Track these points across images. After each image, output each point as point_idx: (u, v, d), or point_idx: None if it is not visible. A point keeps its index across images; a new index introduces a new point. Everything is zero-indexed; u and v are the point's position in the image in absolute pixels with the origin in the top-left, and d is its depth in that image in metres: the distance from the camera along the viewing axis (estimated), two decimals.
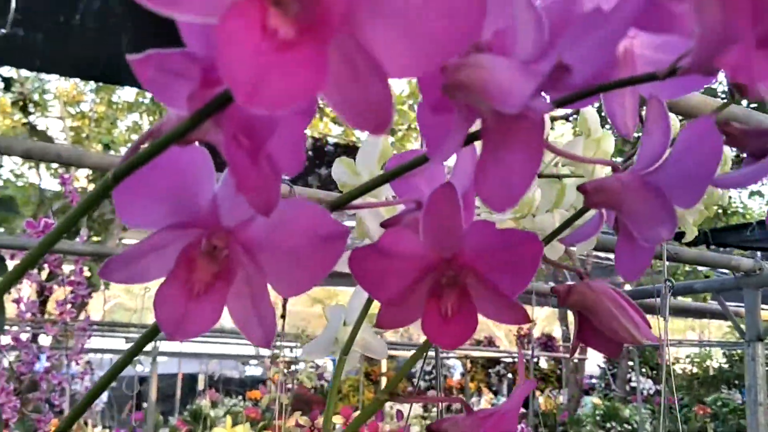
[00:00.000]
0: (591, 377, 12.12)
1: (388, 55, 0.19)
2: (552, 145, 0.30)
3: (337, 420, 1.63)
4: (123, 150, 7.28)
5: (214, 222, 0.27)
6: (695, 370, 9.42)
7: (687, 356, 9.34)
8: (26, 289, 1.97)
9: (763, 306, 1.52)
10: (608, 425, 6.61)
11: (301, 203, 0.28)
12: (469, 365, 12.21)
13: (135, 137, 7.44)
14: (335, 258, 0.28)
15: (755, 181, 0.30)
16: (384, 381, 4.96)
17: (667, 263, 1.17)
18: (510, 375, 11.55)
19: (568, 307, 0.34)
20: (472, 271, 0.30)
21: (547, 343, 11.57)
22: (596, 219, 0.33)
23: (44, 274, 2.59)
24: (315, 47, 0.18)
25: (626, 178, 0.30)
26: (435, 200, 0.29)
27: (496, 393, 11.44)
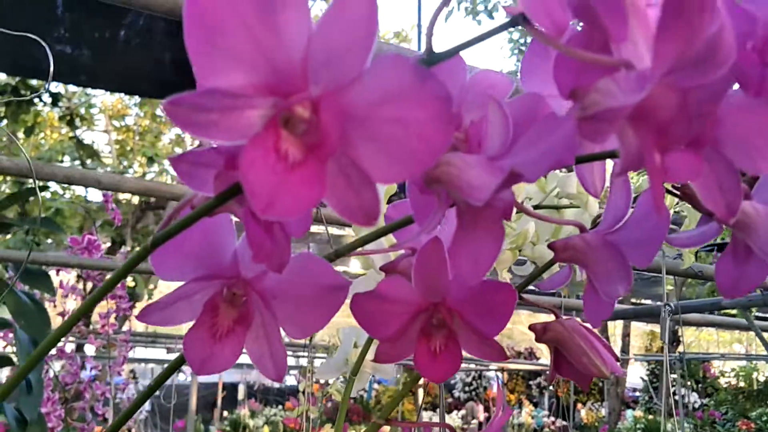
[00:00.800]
0: (634, 390, 11.95)
1: (374, 168, 0.24)
2: (523, 207, 0.34)
3: None
4: (166, 163, 7.46)
5: (235, 273, 0.32)
6: (741, 383, 9.22)
7: (732, 369, 9.15)
8: (71, 303, 2.06)
9: None
10: None
11: (308, 258, 0.33)
12: (507, 376, 12.12)
13: (178, 150, 7.62)
14: (338, 306, 0.33)
15: (706, 241, 0.35)
16: (420, 393, 4.98)
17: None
18: (551, 387, 11.43)
19: (543, 342, 0.38)
20: (457, 315, 0.34)
21: None
22: (566, 270, 0.37)
23: (88, 287, 2.69)
24: (316, 166, 0.23)
25: (590, 238, 0.34)
26: (424, 254, 0.34)
27: (536, 405, 11.32)
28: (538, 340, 0.39)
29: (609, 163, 0.36)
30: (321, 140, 0.23)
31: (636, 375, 11.84)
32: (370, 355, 0.51)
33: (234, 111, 0.22)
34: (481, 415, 10.80)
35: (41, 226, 1.25)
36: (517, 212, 0.64)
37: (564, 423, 9.36)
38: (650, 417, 6.67)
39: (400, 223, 0.37)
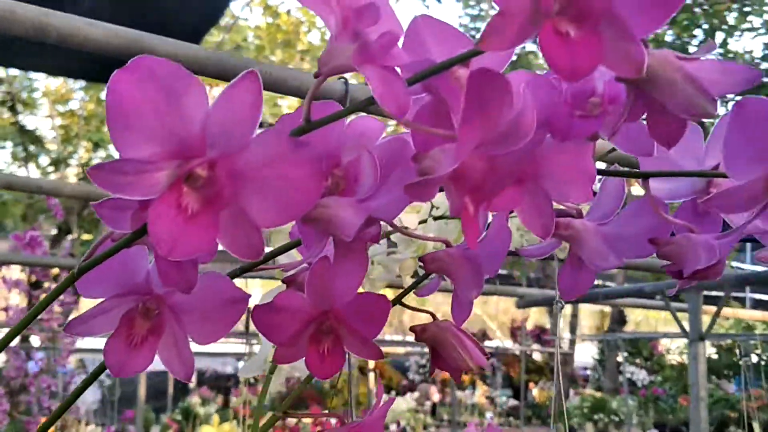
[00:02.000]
0: (585, 369, 12.26)
1: (259, 216, 0.30)
2: (397, 227, 0.41)
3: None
4: (111, 148, 7.37)
5: (148, 291, 0.38)
6: (687, 361, 9.52)
7: (677, 347, 9.46)
8: (15, 297, 2.07)
9: (705, 306, 1.63)
10: (596, 417, 6.75)
11: (213, 275, 0.39)
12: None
13: None
14: (238, 316, 0.39)
15: (548, 252, 0.42)
16: (372, 377, 5.08)
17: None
18: (504, 367, 11.65)
19: (422, 341, 0.45)
20: (341, 322, 0.41)
21: (539, 335, 11.69)
22: (436, 280, 0.44)
23: (33, 280, 2.69)
24: (211, 216, 0.29)
25: (453, 252, 0.41)
26: (314, 271, 0.40)
27: (489, 385, 11.52)
28: (417, 339, 0.45)
29: None
30: (216, 195, 0.29)
31: (588, 354, 12.14)
32: None
33: (145, 174, 0.28)
34: (435, 396, 10.96)
35: None
36: (419, 222, 0.71)
37: (516, 402, 9.59)
38: (595, 395, 6.89)
39: (290, 246, 0.43)
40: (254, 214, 0.29)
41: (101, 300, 0.38)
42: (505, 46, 0.26)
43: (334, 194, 0.37)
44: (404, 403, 10.00)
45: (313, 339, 0.41)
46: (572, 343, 8.52)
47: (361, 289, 0.72)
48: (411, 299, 0.52)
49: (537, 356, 12.16)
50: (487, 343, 12.19)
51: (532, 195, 0.34)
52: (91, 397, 7.09)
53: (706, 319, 1.60)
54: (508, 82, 0.26)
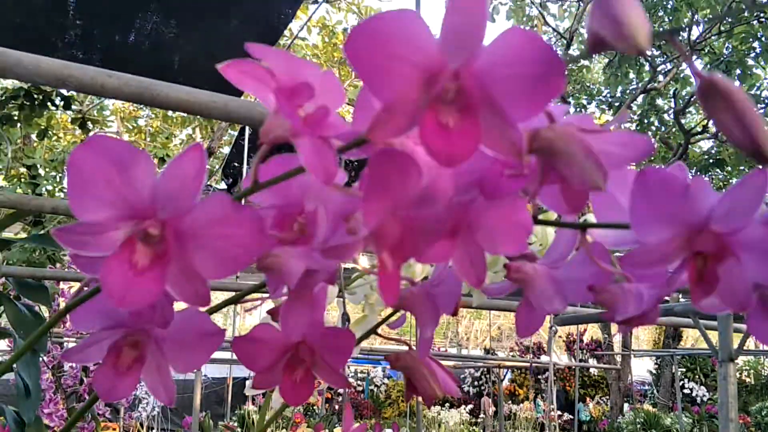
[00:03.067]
0: (643, 383, 11.98)
1: (205, 269, 0.34)
2: (362, 267, 0.45)
3: None
4: None
5: (136, 326, 0.43)
6: (747, 378, 9.23)
7: (738, 365, 9.15)
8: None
9: (736, 324, 1.61)
10: None
11: (192, 311, 0.43)
12: (515, 372, 12.16)
13: None
14: (214, 348, 0.43)
15: (505, 292, 0.45)
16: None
17: None
18: (561, 381, 11.49)
19: (396, 369, 0.49)
20: (312, 352, 0.45)
21: (596, 349, 11.49)
22: (403, 316, 0.47)
23: None
24: (159, 270, 0.33)
25: (415, 290, 0.45)
26: (285, 308, 0.44)
27: (544, 399, 11.37)
28: (391, 367, 0.49)
29: None
30: (164, 252, 0.33)
31: (644, 368, 11.87)
32: None
33: (102, 234, 0.33)
34: (490, 409, 10.87)
35: (42, 244, 1.36)
36: None
37: (569, 417, 9.45)
38: (649, 410, 6.73)
39: (254, 288, 0.47)
40: (200, 268, 0.34)
41: (93, 332, 0.43)
42: (390, 137, 0.29)
43: (300, 238, 0.41)
44: (458, 415, 9.96)
45: (288, 367, 0.45)
46: (624, 358, 8.36)
47: (360, 314, 0.76)
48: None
49: (594, 371, 11.93)
50: (543, 357, 12.03)
51: (466, 247, 0.38)
52: (154, 402, 7.31)
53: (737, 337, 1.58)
54: (410, 158, 0.30)
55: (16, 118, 5.58)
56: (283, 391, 0.45)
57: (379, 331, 0.61)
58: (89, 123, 7.01)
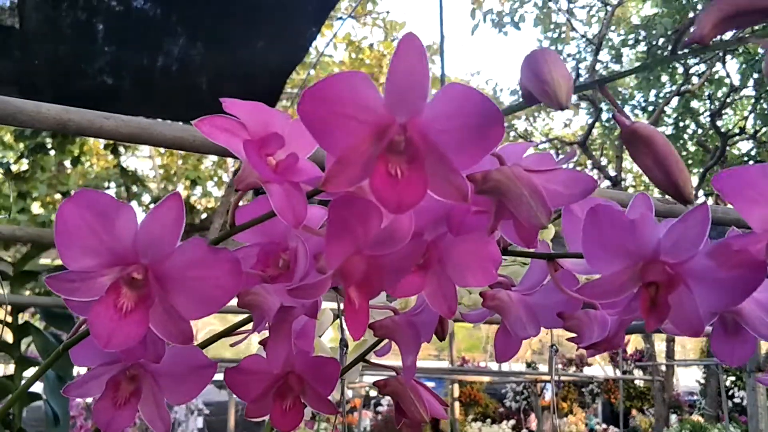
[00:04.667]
0: (692, 394, 11.74)
1: (186, 309, 0.36)
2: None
3: None
4: (209, 184, 7.74)
5: (132, 361, 0.45)
6: None
7: None
8: None
9: None
10: None
11: (184, 347, 0.45)
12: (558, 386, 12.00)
13: (220, 172, 7.88)
14: (208, 380, 0.46)
15: (484, 319, 0.46)
16: (457, 405, 5.07)
17: None
18: (606, 393, 11.30)
19: (385, 394, 0.50)
20: (300, 381, 0.47)
21: (640, 359, 11.29)
22: (388, 344, 0.49)
23: None
24: (142, 313, 0.35)
25: (398, 319, 0.46)
26: (269, 342, 0.46)
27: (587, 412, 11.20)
28: (380, 392, 0.51)
29: None
30: (146, 295, 0.36)
31: (693, 378, 11.63)
32: None
33: (89, 281, 0.35)
34: (533, 424, 10.75)
35: None
36: None
37: (616, 430, 9.29)
38: (696, 421, 6.59)
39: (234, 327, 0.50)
40: (181, 309, 0.36)
41: (92, 367, 0.45)
42: (343, 187, 0.31)
43: (282, 274, 0.43)
44: (500, 430, 9.87)
45: (277, 396, 0.47)
46: (669, 368, 8.21)
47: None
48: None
49: (639, 381, 11.72)
50: (586, 369, 11.87)
51: (438, 280, 0.39)
52: (193, 424, 7.41)
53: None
54: (370, 203, 0.31)
55: (50, 146, 5.73)
56: (273, 419, 0.47)
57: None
58: (121, 148, 7.16)
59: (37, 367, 1.49)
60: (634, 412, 10.76)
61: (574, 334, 0.41)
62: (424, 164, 0.30)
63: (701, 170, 8.20)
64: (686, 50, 0.31)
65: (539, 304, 0.44)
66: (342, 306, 0.72)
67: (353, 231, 0.32)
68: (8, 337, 1.48)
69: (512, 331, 0.44)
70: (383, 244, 0.34)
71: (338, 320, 0.76)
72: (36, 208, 6.31)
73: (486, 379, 9.84)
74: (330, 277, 0.34)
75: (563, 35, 8.33)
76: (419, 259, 0.37)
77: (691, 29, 0.30)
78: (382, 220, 0.33)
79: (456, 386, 5.16)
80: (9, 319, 1.48)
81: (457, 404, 5.07)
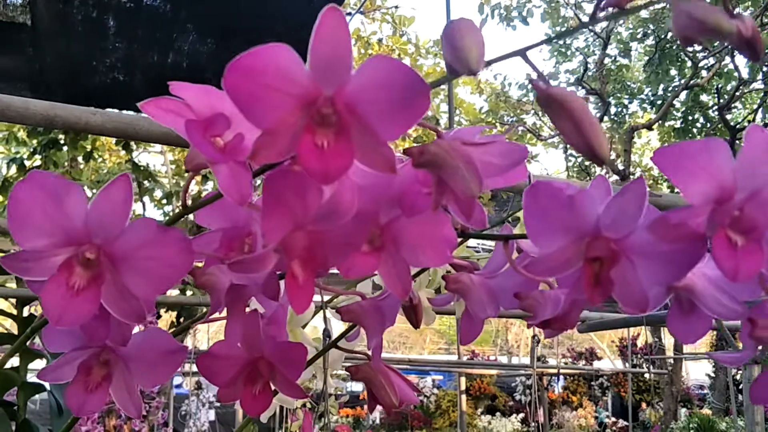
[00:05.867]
0: (702, 387, 11.69)
1: (137, 288, 0.37)
2: (324, 286, 0.47)
3: None
4: None
5: (102, 344, 0.46)
6: None
7: None
8: None
9: None
10: None
11: (154, 330, 0.46)
12: (568, 379, 11.99)
13: None
14: (178, 364, 0.47)
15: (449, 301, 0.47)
16: (464, 398, 5.08)
17: None
18: (615, 386, 11.27)
19: (356, 380, 0.51)
20: (270, 367, 0.47)
21: (651, 352, 11.25)
22: (355, 332, 0.50)
23: None
24: (93, 291, 0.36)
25: (365, 304, 0.47)
26: (245, 328, 0.47)
27: (597, 405, 11.17)
28: (352, 378, 0.51)
29: None
30: (99, 273, 0.36)
31: (703, 372, 11.58)
32: None
33: (41, 260, 0.36)
34: (541, 417, 10.71)
35: None
36: None
37: (625, 423, 9.27)
38: (704, 415, 6.56)
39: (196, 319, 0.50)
40: (133, 288, 0.37)
41: (64, 352, 0.46)
42: (272, 159, 0.32)
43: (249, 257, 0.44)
44: (509, 424, 9.87)
45: (246, 381, 0.48)
46: (677, 362, 8.18)
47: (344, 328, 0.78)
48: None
49: (649, 375, 11.69)
50: (595, 363, 11.83)
51: (392, 260, 0.40)
52: (204, 417, 7.45)
53: None
54: (305, 177, 0.32)
55: (62, 142, 5.78)
56: (243, 403, 0.48)
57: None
58: (132, 143, 7.19)
59: (43, 359, 1.51)
60: (643, 405, 10.73)
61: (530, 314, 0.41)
62: (350, 135, 0.31)
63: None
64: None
65: (500, 286, 0.44)
66: (323, 296, 0.73)
67: (290, 205, 0.33)
68: (14, 329, 1.48)
69: (472, 312, 0.45)
70: (326, 219, 0.34)
71: (321, 311, 0.77)
72: None
73: (492, 372, 9.82)
74: (271, 251, 0.35)
75: (571, 27, 8.29)
76: (367, 236, 0.38)
77: None
78: (321, 195, 0.34)
79: (463, 379, 5.16)
80: (15, 311, 1.49)
81: (464, 397, 5.07)
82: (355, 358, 0.56)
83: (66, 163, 6.30)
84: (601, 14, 0.31)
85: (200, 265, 0.43)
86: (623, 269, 0.34)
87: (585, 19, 8.92)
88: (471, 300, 0.45)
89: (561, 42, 7.70)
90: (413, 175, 0.39)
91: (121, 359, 0.46)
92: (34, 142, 5.89)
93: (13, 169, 5.87)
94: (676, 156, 0.32)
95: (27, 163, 6.11)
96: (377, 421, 9.63)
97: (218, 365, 0.48)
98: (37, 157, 6.03)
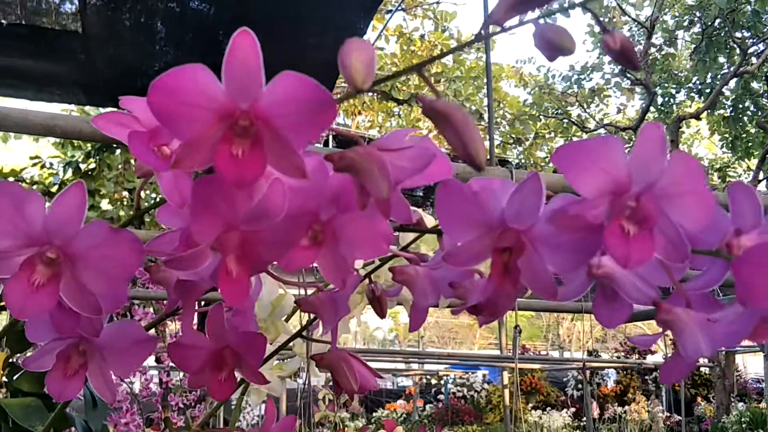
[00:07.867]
0: (759, 381, 11.41)
1: (92, 285, 0.41)
2: (272, 274, 0.50)
3: None
4: None
5: (77, 335, 0.50)
6: None
7: None
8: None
9: None
10: None
11: (125, 322, 0.50)
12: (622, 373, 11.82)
13: None
14: (149, 353, 0.50)
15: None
16: (506, 393, 5.06)
17: None
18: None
19: (322, 367, 0.54)
20: (235, 355, 0.51)
21: None
22: (318, 324, 0.52)
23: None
24: (51, 288, 0.40)
25: (321, 296, 0.50)
26: (210, 315, 0.50)
27: (649, 400, 10.99)
28: (317, 366, 0.54)
29: None
30: (56, 271, 0.40)
31: (760, 365, 11.29)
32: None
33: (7, 260, 0.40)
34: (595, 412, 10.61)
35: None
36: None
37: (678, 418, 9.11)
38: (757, 408, 6.41)
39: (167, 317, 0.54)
40: (89, 284, 0.40)
41: (44, 344, 0.50)
42: (192, 168, 0.35)
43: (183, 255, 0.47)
44: (560, 418, 9.79)
45: (213, 369, 0.51)
46: (728, 355, 8.00)
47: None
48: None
49: (705, 369, 11.45)
50: (649, 357, 11.64)
51: (332, 254, 0.43)
52: (256, 410, 7.60)
53: None
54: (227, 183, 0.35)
55: (115, 144, 5.95)
56: (210, 389, 0.51)
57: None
58: None
59: None
60: (699, 399, 10.52)
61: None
62: (263, 145, 0.34)
63: (761, 152, 7.94)
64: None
65: (442, 276, 0.47)
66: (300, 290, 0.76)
67: (218, 208, 0.36)
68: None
69: (416, 301, 0.47)
70: (257, 220, 0.37)
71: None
72: (105, 204, 6.57)
73: (536, 366, 9.75)
74: (203, 250, 0.38)
75: (614, 20, 8.17)
76: (303, 233, 0.41)
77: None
78: (251, 198, 0.37)
79: (505, 373, 5.16)
80: None
81: (507, 392, 5.06)
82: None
83: (119, 166, 6.49)
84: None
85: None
86: (530, 258, 0.36)
87: (628, 9, 8.81)
88: (415, 289, 0.47)
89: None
90: (347, 177, 0.41)
91: (96, 348, 0.50)
92: (89, 145, 6.08)
93: (69, 173, 6.07)
94: (570, 154, 0.34)
95: (82, 167, 6.31)
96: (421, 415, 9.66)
97: (188, 354, 0.51)
98: (92, 160, 6.23)
